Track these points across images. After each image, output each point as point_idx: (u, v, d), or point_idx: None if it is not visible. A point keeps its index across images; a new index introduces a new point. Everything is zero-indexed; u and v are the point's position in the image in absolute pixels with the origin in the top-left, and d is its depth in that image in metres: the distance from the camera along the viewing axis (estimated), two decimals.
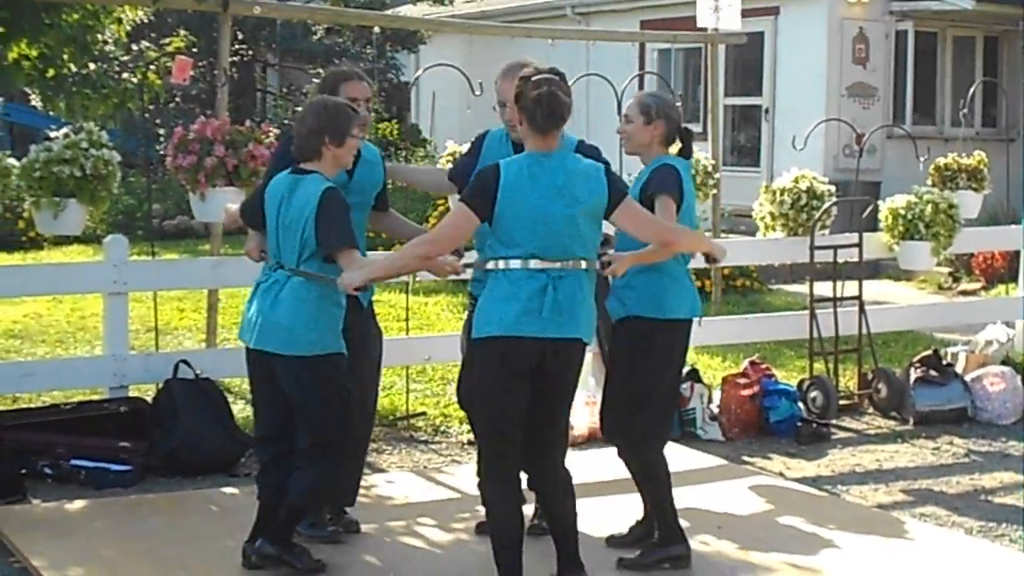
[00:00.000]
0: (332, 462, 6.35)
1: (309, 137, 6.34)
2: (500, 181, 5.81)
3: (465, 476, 8.34)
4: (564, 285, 5.80)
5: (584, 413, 8.99)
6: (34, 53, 10.49)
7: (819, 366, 10.39)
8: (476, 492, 7.93)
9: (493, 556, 5.96)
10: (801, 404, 9.83)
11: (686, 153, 6.96)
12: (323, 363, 6.25)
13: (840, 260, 10.65)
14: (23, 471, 7.99)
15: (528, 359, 5.77)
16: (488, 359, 5.82)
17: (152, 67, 10.58)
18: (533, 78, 5.93)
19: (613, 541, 6.91)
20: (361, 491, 7.25)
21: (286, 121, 23.99)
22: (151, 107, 14.13)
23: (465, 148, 9.74)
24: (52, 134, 8.89)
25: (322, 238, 6.19)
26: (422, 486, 8.16)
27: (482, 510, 7.60)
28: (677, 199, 6.54)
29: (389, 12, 22.69)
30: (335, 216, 6.20)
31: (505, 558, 5.92)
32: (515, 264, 5.80)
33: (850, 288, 10.60)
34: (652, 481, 6.61)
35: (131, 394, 8.83)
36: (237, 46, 22.89)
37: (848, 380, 10.64)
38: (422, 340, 10.38)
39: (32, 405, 9.28)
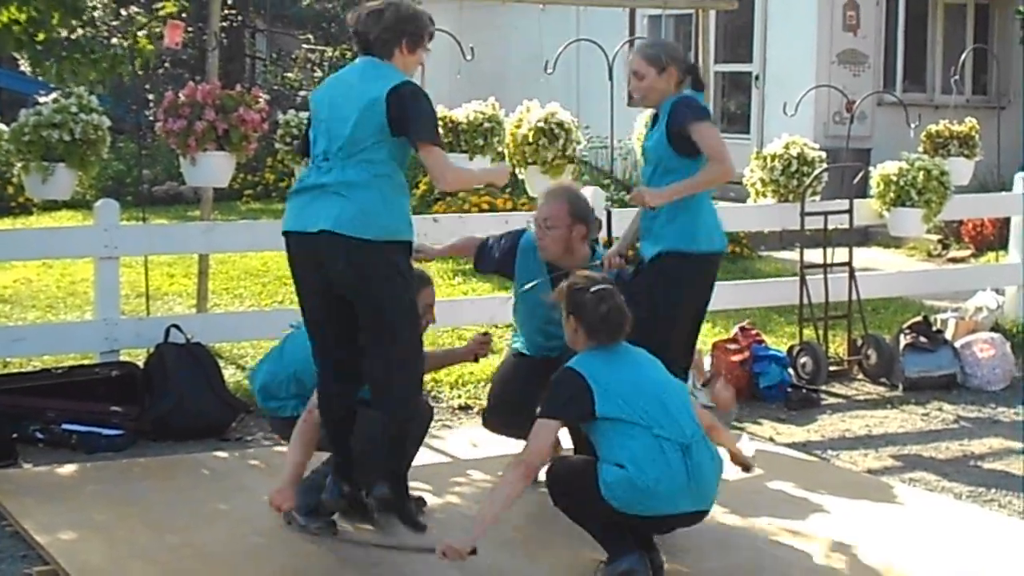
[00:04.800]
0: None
1: (383, 33, 6.14)
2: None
3: (456, 441, 8.37)
4: None
5: None
6: (23, 17, 10.43)
7: (809, 332, 10.41)
8: (466, 456, 8.02)
9: None
10: (791, 370, 9.86)
11: (698, 86, 6.96)
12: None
13: (830, 227, 10.65)
14: (14, 435, 8.00)
15: None
16: None
17: (143, 32, 10.54)
18: (592, 290, 5.94)
19: None
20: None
21: (275, 86, 23.97)
22: (141, 72, 14.09)
23: (456, 114, 9.77)
24: (41, 99, 8.88)
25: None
26: None
27: (475, 474, 7.67)
28: (711, 121, 6.74)
29: None
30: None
31: None
32: None
33: (840, 254, 10.61)
34: None
35: (122, 359, 8.83)
36: (227, 11, 22.79)
37: (838, 346, 10.66)
38: None
39: (23, 370, 9.27)
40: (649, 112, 7.26)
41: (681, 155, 6.78)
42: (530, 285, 7.10)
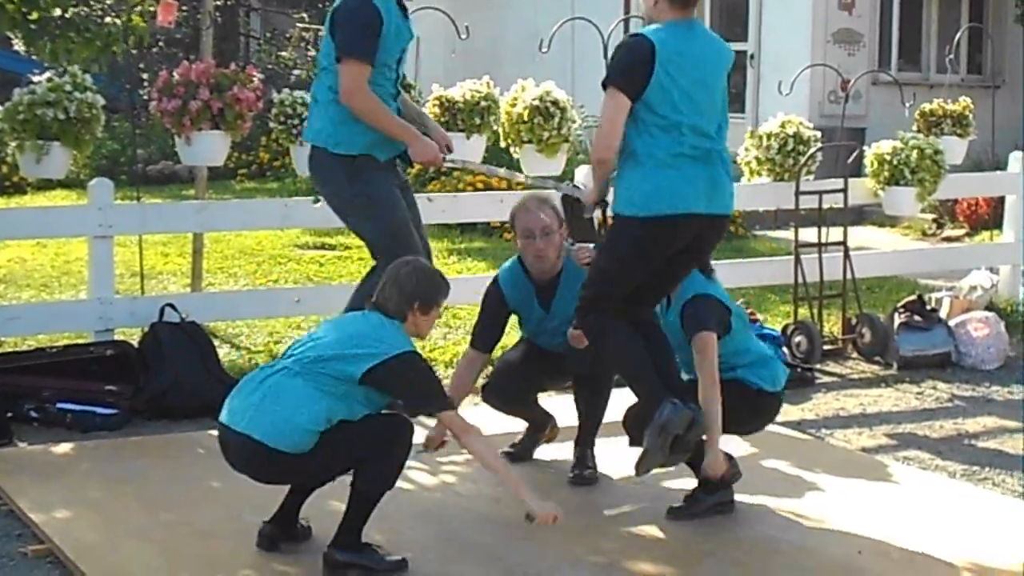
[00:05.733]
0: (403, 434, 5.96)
1: (400, 302, 5.94)
2: None
3: None
4: None
5: None
6: None
7: (803, 311, 10.42)
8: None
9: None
10: (785, 349, 9.87)
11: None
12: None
13: (825, 206, 10.66)
14: (9, 415, 7.98)
15: None
16: None
17: (137, 10, 10.51)
18: None
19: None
20: None
21: (269, 65, 23.93)
22: (135, 51, 14.06)
23: (451, 92, 9.76)
24: (35, 78, 8.86)
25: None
26: None
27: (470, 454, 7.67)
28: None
29: None
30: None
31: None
32: None
33: (835, 234, 10.62)
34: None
35: (117, 338, 8.83)
36: None
37: (832, 325, 10.67)
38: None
39: (18, 349, 9.27)
40: None
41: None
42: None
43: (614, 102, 6.00)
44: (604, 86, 6.12)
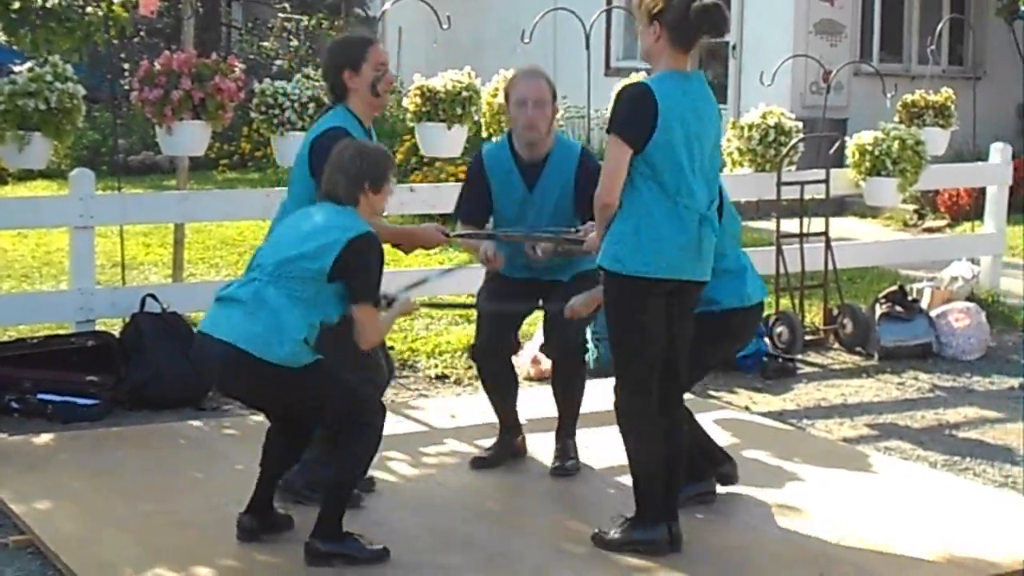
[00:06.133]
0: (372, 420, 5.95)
1: (349, 186, 5.94)
2: None
3: (433, 410, 8.37)
4: None
5: None
6: None
7: (785, 302, 10.43)
8: (443, 425, 8.02)
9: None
10: (767, 339, 9.88)
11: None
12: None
13: (807, 196, 10.67)
14: None
15: None
16: None
17: (118, 0, 10.48)
18: None
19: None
20: None
21: (251, 56, 23.87)
22: (116, 42, 14.03)
23: (433, 83, 9.75)
24: (16, 68, 8.83)
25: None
26: (390, 420, 8.05)
27: (451, 444, 7.68)
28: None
29: None
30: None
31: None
32: None
33: (816, 224, 10.63)
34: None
35: (98, 328, 8.81)
36: None
37: (814, 316, 10.68)
38: (389, 275, 10.29)
39: None
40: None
41: None
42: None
43: (619, 151, 5.90)
44: (608, 132, 6.01)
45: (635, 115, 5.86)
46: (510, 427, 7.37)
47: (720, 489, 6.78)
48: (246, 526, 6.09)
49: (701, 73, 6.10)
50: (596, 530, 6.18)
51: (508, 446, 7.36)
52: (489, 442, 7.40)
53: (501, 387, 7.31)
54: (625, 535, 6.08)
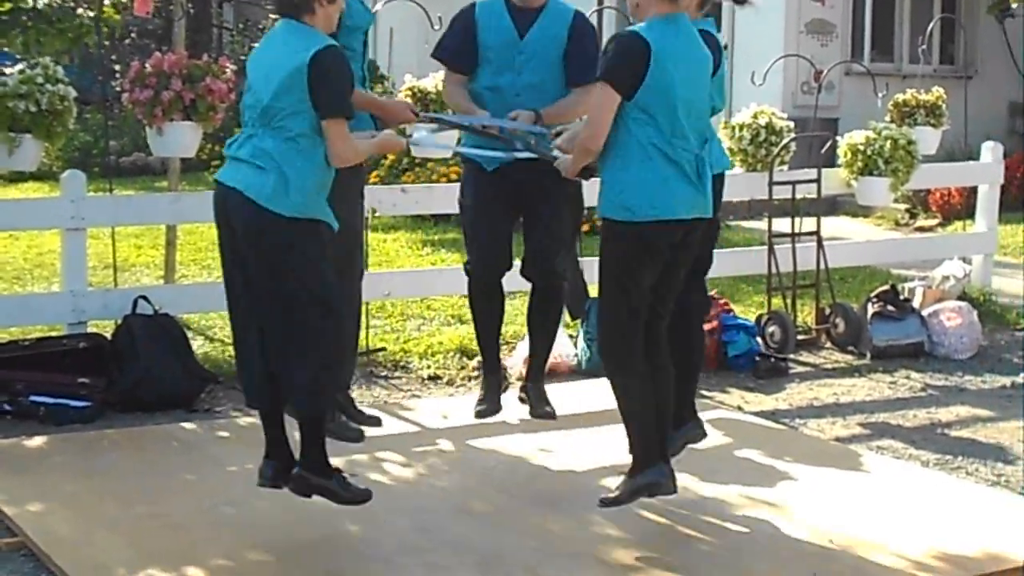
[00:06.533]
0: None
1: None
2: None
3: (425, 410, 8.36)
4: None
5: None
6: None
7: (777, 301, 10.44)
8: (436, 426, 8.02)
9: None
10: (759, 339, 9.87)
11: None
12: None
13: (798, 196, 10.67)
14: None
15: None
16: None
17: (109, 1, 10.48)
18: None
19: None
20: None
21: (242, 57, 23.85)
22: (107, 43, 14.02)
23: (424, 83, 9.75)
24: (7, 70, 8.81)
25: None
26: (383, 421, 8.17)
27: (444, 444, 7.68)
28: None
29: None
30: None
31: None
32: None
33: (808, 224, 10.64)
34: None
35: (90, 330, 8.80)
36: None
37: (806, 315, 10.69)
38: (381, 275, 10.34)
39: None
40: None
41: None
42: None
43: (607, 97, 5.92)
44: (594, 80, 6.04)
45: (626, 62, 5.91)
46: (492, 365, 7.68)
47: (711, 487, 6.78)
48: (268, 475, 6.11)
49: (686, 15, 6.10)
50: (601, 497, 6.25)
51: (496, 389, 7.68)
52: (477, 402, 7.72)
53: (491, 308, 7.56)
54: (630, 485, 6.16)
